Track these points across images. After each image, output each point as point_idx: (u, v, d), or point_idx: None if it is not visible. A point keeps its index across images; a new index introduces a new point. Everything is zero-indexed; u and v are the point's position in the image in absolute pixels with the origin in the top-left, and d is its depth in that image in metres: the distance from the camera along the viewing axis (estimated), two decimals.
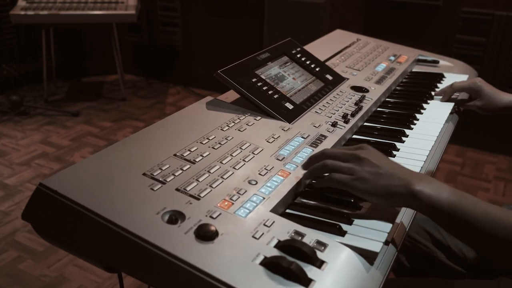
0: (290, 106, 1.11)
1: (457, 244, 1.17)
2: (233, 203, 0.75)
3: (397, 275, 1.25)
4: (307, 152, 0.95)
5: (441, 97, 1.37)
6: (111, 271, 0.76)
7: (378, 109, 1.29)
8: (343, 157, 0.81)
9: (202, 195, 0.75)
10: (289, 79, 1.22)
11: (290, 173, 0.86)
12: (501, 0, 2.73)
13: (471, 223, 0.72)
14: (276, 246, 0.67)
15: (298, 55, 1.33)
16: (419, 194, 0.74)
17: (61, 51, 3.94)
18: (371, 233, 0.75)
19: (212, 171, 0.82)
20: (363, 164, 0.78)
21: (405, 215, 0.84)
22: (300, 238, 0.69)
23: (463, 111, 1.37)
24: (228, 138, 0.94)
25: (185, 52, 3.91)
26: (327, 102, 1.20)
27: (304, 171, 0.87)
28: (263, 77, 1.15)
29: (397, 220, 0.81)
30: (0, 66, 3.55)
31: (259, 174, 0.84)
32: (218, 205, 0.74)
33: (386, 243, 0.75)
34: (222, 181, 0.80)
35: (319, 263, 0.66)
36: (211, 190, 0.77)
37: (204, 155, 0.86)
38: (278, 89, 1.15)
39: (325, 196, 0.85)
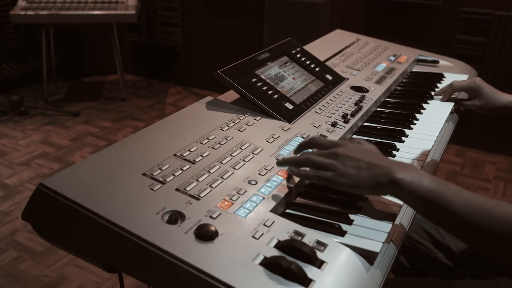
0: (290, 106, 1.11)
1: (457, 244, 1.17)
2: (233, 203, 0.75)
3: (397, 276, 1.25)
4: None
5: (441, 97, 1.37)
6: (111, 271, 0.76)
7: (378, 109, 1.29)
8: (325, 153, 0.82)
9: (202, 195, 0.75)
10: (289, 79, 1.22)
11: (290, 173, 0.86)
12: (501, 0, 2.73)
13: (451, 211, 0.72)
14: (276, 246, 0.67)
15: (298, 55, 1.33)
16: (401, 182, 0.75)
17: (61, 51, 3.94)
18: (371, 233, 0.75)
19: (212, 171, 0.82)
20: (343, 159, 0.79)
21: (405, 216, 0.84)
22: (300, 238, 0.69)
23: (463, 111, 1.37)
24: (228, 138, 0.94)
25: (185, 52, 3.91)
26: (327, 102, 1.20)
27: (288, 157, 0.87)
28: (263, 77, 1.15)
29: (397, 221, 0.81)
30: (0, 66, 3.55)
31: (259, 174, 0.84)
32: (218, 205, 0.74)
33: (386, 241, 0.75)
34: (222, 181, 0.80)
35: (319, 263, 0.66)
36: (211, 190, 0.77)
37: (204, 155, 0.86)
38: (278, 89, 1.15)
39: (325, 196, 0.85)
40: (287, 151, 0.93)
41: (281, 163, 0.86)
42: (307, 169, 0.82)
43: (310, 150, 0.87)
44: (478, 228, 0.71)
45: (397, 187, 0.75)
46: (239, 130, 0.98)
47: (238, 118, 1.03)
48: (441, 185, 0.75)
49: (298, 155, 0.87)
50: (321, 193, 0.86)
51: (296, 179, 0.85)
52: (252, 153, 0.90)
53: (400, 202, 0.85)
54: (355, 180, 0.78)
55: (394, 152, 1.04)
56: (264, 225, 0.71)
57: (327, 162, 0.80)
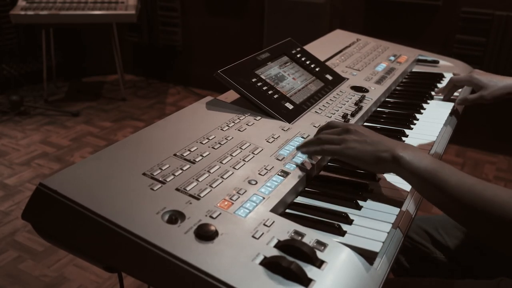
0: (290, 106, 1.11)
1: (457, 244, 1.17)
2: (233, 203, 0.75)
3: (397, 276, 1.25)
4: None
5: (441, 96, 1.37)
6: (111, 271, 0.76)
7: (378, 109, 1.29)
8: (335, 131, 0.90)
9: (202, 195, 0.75)
10: (289, 79, 1.22)
11: (290, 173, 0.86)
12: (501, 0, 2.73)
13: (446, 191, 0.76)
14: (276, 246, 0.67)
15: (298, 55, 1.33)
16: (401, 159, 0.80)
17: (61, 51, 3.94)
18: (371, 233, 0.75)
19: (212, 171, 0.82)
20: (351, 133, 0.87)
21: (405, 216, 0.84)
22: (300, 238, 0.69)
23: (465, 108, 1.36)
24: (228, 138, 0.94)
25: (185, 52, 3.91)
26: (327, 102, 1.20)
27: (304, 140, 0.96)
28: (263, 77, 1.15)
29: (397, 221, 0.81)
30: (0, 66, 3.55)
31: (259, 174, 0.84)
32: (218, 205, 0.74)
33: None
34: (222, 181, 0.80)
35: (319, 263, 0.66)
36: (211, 190, 0.77)
37: (204, 155, 0.87)
38: (278, 89, 1.15)
39: (325, 196, 0.85)
40: (287, 151, 0.93)
41: (299, 147, 0.94)
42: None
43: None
44: (469, 207, 0.74)
45: (398, 164, 0.81)
46: (239, 130, 0.98)
47: (238, 118, 1.03)
48: (438, 165, 0.79)
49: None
50: (321, 193, 0.86)
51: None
52: (252, 153, 0.90)
53: (400, 201, 0.85)
54: (359, 153, 0.84)
55: None
56: (264, 225, 0.71)
57: (335, 137, 0.88)
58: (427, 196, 0.82)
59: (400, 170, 0.81)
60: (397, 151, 0.81)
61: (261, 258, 0.65)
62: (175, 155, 0.85)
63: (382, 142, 0.84)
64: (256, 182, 0.81)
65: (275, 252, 0.66)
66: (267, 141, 0.96)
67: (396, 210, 0.83)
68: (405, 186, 0.91)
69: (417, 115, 1.25)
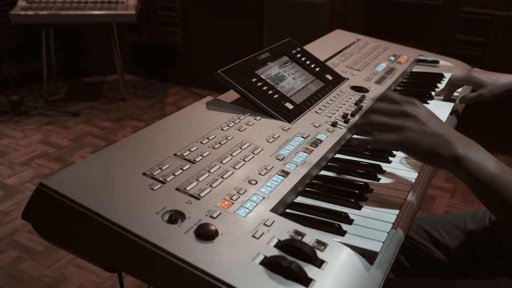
0: (290, 106, 1.11)
1: (457, 244, 1.17)
2: (233, 203, 0.75)
3: (397, 276, 1.25)
4: (307, 152, 0.95)
5: (441, 97, 1.37)
6: (111, 271, 0.76)
7: None
8: (390, 112, 0.79)
9: (202, 194, 0.75)
10: (289, 79, 1.22)
11: (290, 173, 0.86)
12: (501, 0, 2.73)
13: (508, 200, 0.70)
14: (276, 246, 0.67)
15: (298, 55, 1.33)
16: (464, 160, 0.72)
17: (61, 51, 3.94)
18: (371, 233, 0.75)
19: (212, 170, 0.82)
20: (410, 119, 0.77)
21: (405, 216, 0.84)
22: (300, 237, 0.69)
23: (465, 108, 1.36)
24: (228, 138, 0.94)
25: (185, 52, 3.92)
26: (327, 102, 1.20)
27: (355, 122, 0.85)
28: (263, 77, 1.15)
29: (397, 220, 0.81)
30: (0, 66, 3.55)
31: (259, 174, 0.84)
32: (218, 204, 0.74)
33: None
34: (222, 181, 0.80)
35: (319, 263, 0.66)
36: (211, 190, 0.77)
37: (204, 155, 0.87)
38: (278, 89, 1.15)
39: (325, 195, 0.85)
40: (287, 151, 0.93)
41: (350, 129, 0.87)
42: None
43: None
44: None
45: (458, 166, 0.73)
46: (239, 130, 0.98)
47: (238, 118, 1.03)
48: (504, 171, 0.72)
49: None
50: (321, 193, 0.86)
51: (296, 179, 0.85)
52: (252, 153, 0.90)
53: (400, 201, 0.85)
54: (416, 146, 0.75)
55: (394, 152, 1.04)
56: (264, 224, 0.71)
57: (391, 122, 0.78)
58: (484, 202, 0.76)
59: (459, 170, 0.73)
60: (459, 150, 0.73)
61: (261, 258, 0.65)
62: (175, 155, 0.85)
63: (443, 135, 0.75)
64: (256, 182, 0.81)
65: (275, 252, 0.66)
66: (267, 141, 0.96)
67: (396, 210, 0.83)
68: (406, 186, 0.91)
69: None
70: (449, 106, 1.33)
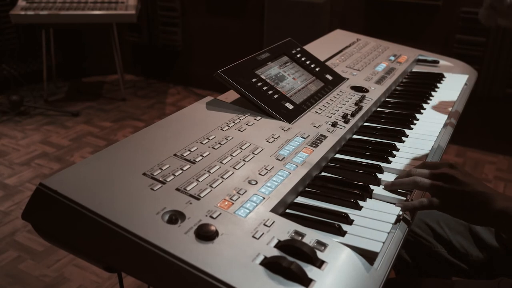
0: (290, 106, 1.11)
1: (458, 239, 1.17)
2: (233, 203, 0.75)
3: (397, 270, 1.25)
4: (307, 152, 0.95)
5: (441, 96, 1.36)
6: (111, 271, 0.76)
7: (378, 109, 1.29)
8: (432, 173, 0.84)
9: (202, 195, 0.75)
10: (289, 79, 1.22)
11: (290, 173, 0.86)
12: None
13: None
14: (276, 246, 0.67)
15: (298, 55, 1.33)
16: (506, 213, 0.76)
17: (61, 51, 3.93)
18: (371, 233, 0.75)
19: (212, 171, 0.82)
20: (451, 182, 0.81)
21: (405, 216, 0.84)
22: (300, 238, 0.69)
23: (465, 108, 1.36)
24: (228, 138, 0.94)
25: (185, 52, 3.91)
26: (327, 102, 1.20)
27: (396, 181, 0.89)
28: (263, 77, 1.15)
29: (397, 221, 0.81)
30: (0, 66, 3.55)
31: (259, 174, 0.84)
32: (218, 205, 0.74)
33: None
34: (222, 181, 0.80)
35: (319, 263, 0.66)
36: (211, 190, 0.77)
37: (204, 155, 0.86)
38: (278, 89, 1.15)
39: (325, 196, 0.85)
40: (287, 151, 0.93)
41: (389, 187, 0.88)
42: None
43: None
44: None
45: (500, 219, 0.77)
46: (239, 130, 0.98)
47: (238, 118, 1.03)
48: None
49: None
50: (321, 193, 0.86)
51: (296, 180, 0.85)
52: (252, 153, 0.90)
53: (400, 201, 0.85)
54: (458, 207, 0.80)
55: (394, 152, 1.04)
56: (264, 225, 0.71)
57: (433, 184, 0.82)
58: None
59: (501, 224, 0.78)
60: (501, 204, 0.77)
61: (261, 258, 0.65)
62: (175, 155, 0.85)
63: (484, 192, 0.80)
64: (256, 182, 0.81)
65: (275, 252, 0.66)
66: (267, 141, 0.96)
67: (396, 210, 0.83)
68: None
69: (417, 115, 1.25)
70: (449, 106, 1.33)
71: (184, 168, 0.81)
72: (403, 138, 1.12)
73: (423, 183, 0.84)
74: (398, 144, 1.08)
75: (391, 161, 1.01)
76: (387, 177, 0.94)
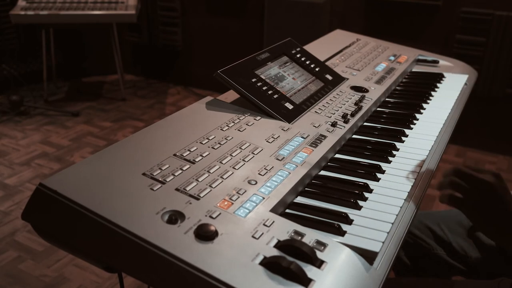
0: (290, 106, 1.11)
1: (458, 241, 1.17)
2: (232, 203, 0.75)
3: (397, 272, 1.24)
4: (307, 152, 0.95)
5: (441, 96, 1.36)
6: (111, 271, 0.76)
7: (378, 109, 1.29)
8: (474, 178, 0.84)
9: (202, 195, 0.75)
10: (289, 79, 1.22)
11: (289, 173, 0.86)
12: (501, 0, 2.73)
13: None
14: (275, 246, 0.67)
15: (298, 55, 1.33)
16: None
17: (61, 51, 3.94)
18: (371, 233, 0.75)
19: (212, 171, 0.82)
20: (488, 196, 0.82)
21: (405, 216, 0.84)
22: (299, 238, 0.69)
23: (465, 108, 1.36)
24: (228, 138, 0.94)
25: (185, 52, 3.91)
26: (327, 102, 1.20)
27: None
28: (263, 77, 1.15)
29: (397, 220, 0.81)
30: (0, 66, 3.55)
31: (259, 174, 0.84)
32: (218, 205, 0.74)
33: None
34: (222, 181, 0.80)
35: (318, 263, 0.66)
36: (211, 190, 0.77)
37: (204, 155, 0.87)
38: (278, 89, 1.15)
39: (325, 196, 0.85)
40: (287, 151, 0.93)
41: (440, 187, 0.88)
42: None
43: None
44: None
45: None
46: (239, 130, 0.98)
47: (238, 118, 1.03)
48: None
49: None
50: (321, 193, 0.86)
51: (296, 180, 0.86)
52: (252, 153, 0.90)
53: (400, 201, 0.85)
54: (486, 221, 0.81)
55: (394, 152, 1.04)
56: (264, 225, 0.71)
57: (471, 195, 0.83)
58: None
59: None
60: None
61: (261, 258, 0.65)
62: (175, 155, 0.85)
63: None
64: (256, 182, 0.81)
65: (275, 252, 0.66)
66: (267, 141, 0.96)
67: (396, 210, 0.83)
68: (405, 186, 0.91)
69: (417, 115, 1.25)
70: (449, 106, 1.32)
71: (184, 168, 0.81)
72: (403, 138, 1.12)
73: (458, 181, 0.84)
74: (398, 144, 1.08)
75: (391, 161, 1.01)
76: (387, 177, 0.94)
